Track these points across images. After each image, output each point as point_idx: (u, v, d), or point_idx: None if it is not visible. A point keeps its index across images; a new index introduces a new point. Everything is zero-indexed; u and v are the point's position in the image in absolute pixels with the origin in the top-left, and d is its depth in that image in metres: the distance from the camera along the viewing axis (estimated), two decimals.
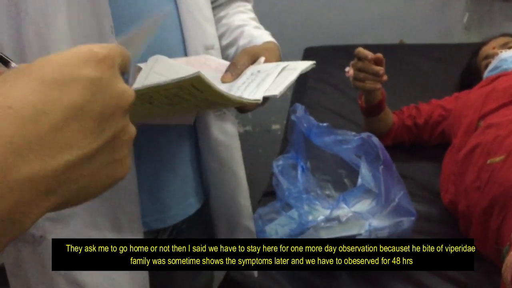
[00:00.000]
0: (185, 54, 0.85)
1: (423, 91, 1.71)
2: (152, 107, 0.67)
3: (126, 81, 0.53)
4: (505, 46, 1.58)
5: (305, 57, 2.00)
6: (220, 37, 0.94)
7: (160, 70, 0.75)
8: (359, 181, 1.01)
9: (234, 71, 0.78)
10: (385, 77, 1.33)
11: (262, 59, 0.80)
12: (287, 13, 2.05)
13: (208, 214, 0.93)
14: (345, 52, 1.99)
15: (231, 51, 0.93)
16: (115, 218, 0.77)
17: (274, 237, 1.09)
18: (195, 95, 0.63)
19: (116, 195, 0.78)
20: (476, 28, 1.99)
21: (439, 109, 1.51)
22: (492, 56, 1.57)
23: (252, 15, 1.01)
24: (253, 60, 0.81)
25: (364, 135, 1.02)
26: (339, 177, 1.22)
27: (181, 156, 0.89)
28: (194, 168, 0.92)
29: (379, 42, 1.97)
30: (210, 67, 0.81)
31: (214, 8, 0.95)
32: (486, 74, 1.55)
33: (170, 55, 0.82)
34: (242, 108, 0.76)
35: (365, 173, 1.01)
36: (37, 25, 0.72)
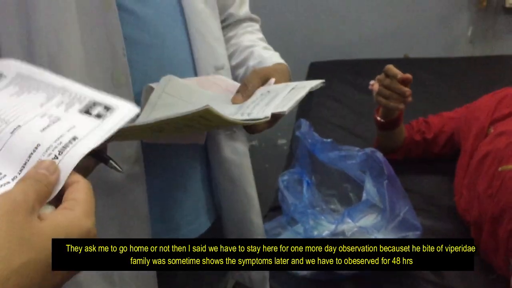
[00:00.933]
0: (195, 74, 0.86)
1: (429, 104, 1.72)
2: (158, 133, 0.68)
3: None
4: None
5: (311, 72, 2.02)
6: (230, 57, 0.95)
7: (172, 91, 0.76)
8: (364, 196, 1.02)
9: (244, 92, 0.78)
10: (410, 99, 1.30)
11: (272, 80, 0.81)
12: (292, 29, 2.07)
13: (219, 233, 0.94)
14: (350, 67, 2.01)
15: (241, 71, 0.94)
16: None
17: None
18: (204, 123, 0.64)
19: (126, 215, 0.79)
20: (480, 42, 2.00)
21: (450, 122, 1.50)
22: None
23: (260, 35, 1.02)
24: (264, 81, 0.81)
25: (368, 150, 1.02)
26: (344, 191, 1.22)
27: (193, 175, 0.90)
28: (205, 187, 0.92)
29: (384, 56, 1.98)
30: (220, 87, 0.82)
31: (222, 28, 0.95)
32: None
33: (180, 75, 0.83)
34: (253, 128, 0.76)
35: (369, 188, 1.01)
36: (49, 47, 0.73)
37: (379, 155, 1.01)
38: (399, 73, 1.28)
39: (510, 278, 1.03)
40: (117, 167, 0.47)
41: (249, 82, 0.79)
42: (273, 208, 1.44)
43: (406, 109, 1.48)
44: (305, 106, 1.86)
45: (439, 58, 1.98)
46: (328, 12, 2.06)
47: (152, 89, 0.77)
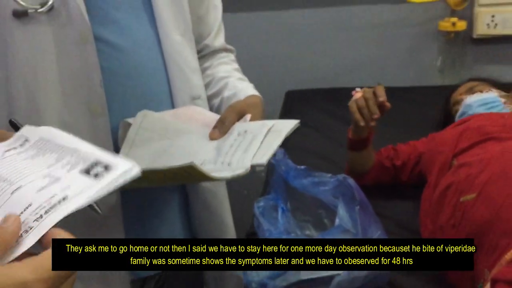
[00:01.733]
0: (172, 104, 0.87)
1: (400, 132, 1.77)
2: (144, 181, 0.69)
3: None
4: (470, 91, 1.64)
5: (287, 100, 2.06)
6: (205, 87, 0.97)
7: (148, 126, 0.78)
8: (337, 221, 1.04)
9: (221, 128, 0.80)
10: (374, 123, 1.36)
11: (248, 116, 0.83)
12: (268, 58, 2.12)
13: None
14: (325, 95, 2.06)
15: (216, 101, 0.96)
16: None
17: (255, 278, 1.11)
18: (187, 177, 0.66)
19: None
20: (449, 71, 2.08)
21: (415, 151, 1.56)
22: (458, 102, 1.64)
23: (236, 65, 1.04)
24: (240, 116, 0.83)
25: (340, 176, 1.05)
26: (319, 217, 1.25)
27: (169, 204, 0.91)
28: (182, 215, 0.93)
29: (357, 85, 2.03)
30: (197, 122, 0.83)
31: (198, 59, 0.97)
32: (456, 119, 1.61)
33: (157, 105, 0.85)
34: None
35: (342, 214, 1.04)
36: (27, 80, 0.74)
37: (351, 181, 1.05)
38: (382, 97, 1.34)
39: None
40: (98, 209, 0.49)
41: (226, 118, 0.82)
42: (249, 234, 1.45)
43: (376, 136, 1.54)
44: None
45: (410, 87, 2.04)
46: (304, 43, 2.12)
47: (128, 124, 0.79)
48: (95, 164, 0.46)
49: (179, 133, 0.79)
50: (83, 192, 0.43)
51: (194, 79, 0.91)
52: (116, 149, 0.79)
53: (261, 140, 0.75)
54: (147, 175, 0.65)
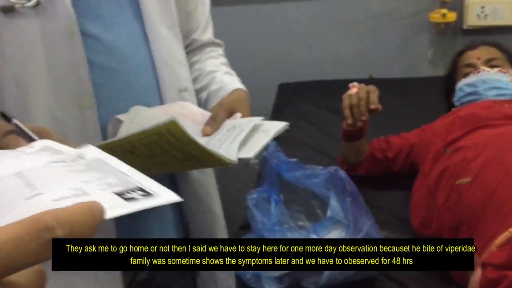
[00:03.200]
0: (160, 97, 0.89)
1: (392, 123, 1.78)
2: (135, 158, 0.69)
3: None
4: (490, 62, 1.58)
5: (280, 92, 2.07)
6: (193, 81, 1.00)
7: (140, 121, 0.79)
8: (329, 212, 1.06)
9: (213, 124, 0.84)
10: (361, 124, 1.40)
11: (239, 115, 0.87)
12: (260, 51, 2.13)
13: None
14: (318, 87, 2.07)
15: (203, 95, 0.99)
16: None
17: (250, 272, 1.13)
18: (172, 143, 0.66)
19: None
20: (440, 62, 2.09)
21: (406, 142, 1.58)
22: (474, 66, 1.58)
23: (223, 60, 1.06)
24: (229, 113, 0.87)
25: (331, 169, 1.07)
26: (311, 208, 1.26)
27: None
28: (173, 205, 0.95)
29: (349, 77, 2.05)
30: (186, 117, 0.86)
31: (187, 53, 0.99)
32: (457, 94, 1.59)
33: (145, 98, 0.87)
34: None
35: (334, 205, 1.06)
36: (16, 74, 0.75)
37: (342, 173, 1.06)
38: (374, 104, 1.36)
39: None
40: None
41: (217, 116, 0.85)
42: (242, 227, 1.47)
43: (370, 127, 1.55)
44: None
45: (401, 78, 2.06)
46: (296, 36, 2.13)
47: (118, 120, 0.80)
48: (136, 189, 0.40)
49: None
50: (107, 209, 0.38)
51: (181, 72, 0.93)
52: None
53: (246, 133, 0.77)
54: (135, 145, 0.66)
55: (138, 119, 0.79)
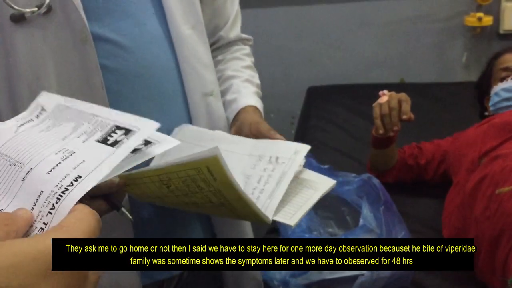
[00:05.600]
0: (185, 101, 0.85)
1: (423, 129, 1.74)
2: (169, 193, 0.64)
3: None
4: None
5: (308, 96, 2.05)
6: None
7: (183, 137, 0.75)
8: (361, 221, 1.04)
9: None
10: (392, 134, 1.34)
11: (277, 136, 0.81)
12: (291, 53, 2.11)
13: None
14: (347, 91, 2.04)
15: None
16: (111, 278, 0.77)
17: (277, 275, 1.11)
18: (209, 182, 0.60)
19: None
20: (475, 67, 2.04)
21: (439, 149, 1.53)
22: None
23: (248, 61, 1.00)
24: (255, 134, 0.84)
25: (365, 176, 1.05)
26: (341, 215, 1.24)
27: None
28: (200, 216, 0.92)
29: (380, 81, 2.02)
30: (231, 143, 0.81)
31: (212, 51, 0.94)
32: (493, 99, 1.52)
33: (170, 104, 0.82)
34: None
35: (366, 214, 1.03)
36: (29, 83, 0.72)
37: (376, 181, 1.04)
38: (406, 115, 1.30)
39: None
40: (128, 215, 0.47)
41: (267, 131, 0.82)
42: (270, 231, 1.45)
43: (401, 133, 1.52)
44: (302, 129, 1.89)
45: (434, 83, 2.01)
46: (327, 38, 2.10)
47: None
48: (114, 130, 0.41)
49: (214, 142, 0.78)
50: (97, 168, 0.39)
51: (206, 75, 0.87)
52: None
53: (290, 178, 0.69)
54: (171, 177, 0.60)
55: (180, 136, 0.76)
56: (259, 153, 0.76)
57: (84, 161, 0.41)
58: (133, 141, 0.40)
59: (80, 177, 0.39)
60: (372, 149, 1.50)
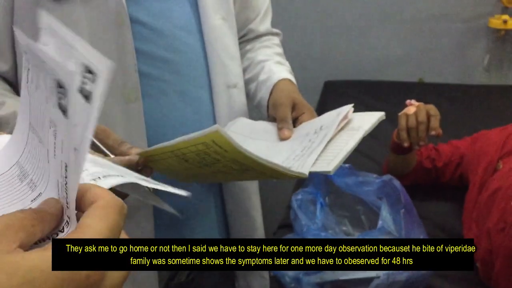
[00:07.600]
0: (210, 89, 0.86)
1: (442, 130, 1.72)
2: (191, 166, 0.66)
3: None
4: None
5: (325, 90, 2.02)
6: (244, 70, 0.95)
7: (236, 129, 0.77)
8: (380, 223, 1.02)
9: (288, 125, 0.79)
10: (417, 147, 1.28)
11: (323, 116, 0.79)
12: (308, 47, 2.08)
13: None
14: (365, 88, 2.01)
15: (252, 86, 0.94)
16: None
17: (289, 273, 1.10)
18: (222, 154, 0.61)
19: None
20: (496, 70, 2.01)
21: (457, 151, 1.50)
22: None
23: (278, 49, 1.01)
24: (293, 107, 0.83)
25: (386, 177, 1.03)
26: (356, 214, 1.23)
27: (207, 199, 0.91)
28: (216, 207, 0.93)
29: (398, 79, 1.99)
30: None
31: (241, 43, 0.95)
32: None
33: (195, 91, 0.83)
34: None
35: (385, 216, 1.01)
36: None
37: (397, 183, 1.02)
38: (435, 131, 1.23)
39: None
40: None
41: (285, 116, 0.80)
42: (282, 226, 1.44)
43: None
44: None
45: (454, 84, 1.98)
46: (346, 33, 2.07)
47: None
48: (85, 72, 0.34)
49: (266, 133, 0.78)
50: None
51: (231, 67, 0.88)
52: (148, 136, 0.78)
53: (330, 135, 0.67)
54: (185, 153, 0.62)
55: (234, 128, 0.77)
56: (306, 131, 0.75)
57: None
58: (99, 87, 0.35)
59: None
60: (391, 153, 1.46)
